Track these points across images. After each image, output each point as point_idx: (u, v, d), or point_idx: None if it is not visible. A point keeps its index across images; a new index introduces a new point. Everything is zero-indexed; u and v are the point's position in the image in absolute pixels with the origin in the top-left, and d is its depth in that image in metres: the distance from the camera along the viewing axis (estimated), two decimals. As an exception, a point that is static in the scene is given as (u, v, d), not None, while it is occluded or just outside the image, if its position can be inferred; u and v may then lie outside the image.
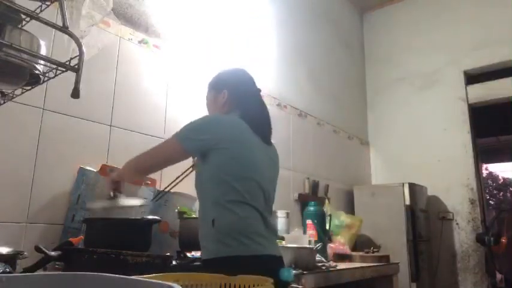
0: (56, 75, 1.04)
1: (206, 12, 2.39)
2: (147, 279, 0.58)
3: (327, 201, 2.90)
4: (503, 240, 3.15)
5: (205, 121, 1.36)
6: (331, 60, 3.74)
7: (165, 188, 1.67)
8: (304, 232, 2.32)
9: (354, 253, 2.57)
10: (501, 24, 3.54)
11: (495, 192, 11.93)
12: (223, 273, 0.83)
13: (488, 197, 10.95)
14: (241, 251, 1.20)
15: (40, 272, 1.02)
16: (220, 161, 1.29)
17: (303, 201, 2.86)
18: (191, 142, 1.31)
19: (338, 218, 2.83)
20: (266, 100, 2.74)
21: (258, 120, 1.43)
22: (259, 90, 1.53)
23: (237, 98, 1.45)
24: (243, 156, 1.31)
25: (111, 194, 1.35)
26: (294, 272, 1.54)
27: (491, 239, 3.12)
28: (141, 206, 1.52)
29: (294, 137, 2.99)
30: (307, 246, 1.94)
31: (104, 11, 1.20)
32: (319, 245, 1.95)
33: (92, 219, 1.40)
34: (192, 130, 1.33)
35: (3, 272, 0.91)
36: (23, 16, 1.04)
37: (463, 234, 3.48)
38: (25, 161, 1.49)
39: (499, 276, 3.91)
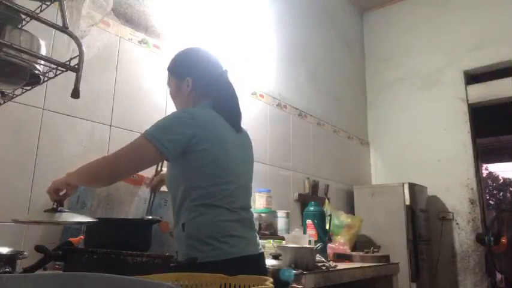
0: (56, 75, 1.04)
1: (206, 12, 2.39)
2: (147, 279, 0.58)
3: (327, 201, 2.90)
4: (503, 240, 3.15)
5: (179, 119, 1.20)
6: (331, 60, 3.74)
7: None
8: (304, 232, 2.32)
9: (354, 253, 2.57)
10: (501, 24, 3.54)
11: (495, 192, 11.94)
12: None
13: (488, 197, 10.96)
14: (214, 255, 1.13)
15: (40, 272, 1.02)
16: (198, 165, 1.18)
17: (303, 201, 2.86)
18: (169, 143, 1.14)
19: (338, 218, 2.83)
20: (266, 100, 2.77)
21: (230, 109, 1.32)
22: (226, 72, 1.37)
23: (204, 86, 1.32)
24: (221, 158, 1.21)
25: (53, 205, 1.09)
26: (294, 272, 1.54)
27: (491, 239, 3.12)
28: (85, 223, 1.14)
29: (294, 137, 2.99)
30: (307, 246, 1.94)
31: (104, 11, 1.20)
32: (319, 245, 1.95)
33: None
34: (167, 129, 1.17)
35: (3, 272, 0.91)
36: (23, 16, 1.04)
37: (463, 234, 3.48)
38: (25, 161, 1.49)
39: (499, 276, 3.92)
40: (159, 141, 1.13)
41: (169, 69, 1.41)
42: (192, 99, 1.33)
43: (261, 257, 1.29)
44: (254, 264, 1.22)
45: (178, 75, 1.36)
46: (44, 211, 1.09)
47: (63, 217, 1.07)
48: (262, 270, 1.28)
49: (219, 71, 1.36)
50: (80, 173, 1.19)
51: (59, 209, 1.09)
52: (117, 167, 1.17)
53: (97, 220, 1.11)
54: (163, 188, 1.64)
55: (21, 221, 1.15)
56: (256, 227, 1.41)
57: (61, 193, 1.14)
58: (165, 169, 1.58)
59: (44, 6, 1.06)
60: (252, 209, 1.34)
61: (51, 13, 1.09)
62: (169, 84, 1.41)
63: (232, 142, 1.27)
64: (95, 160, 1.20)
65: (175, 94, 1.38)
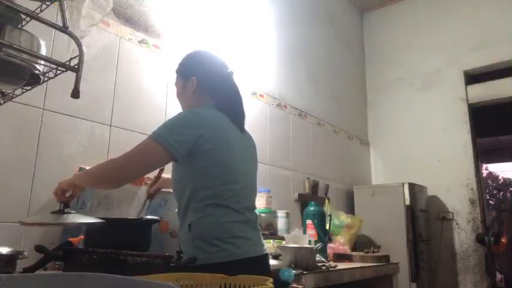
0: (56, 75, 1.04)
1: (206, 12, 2.39)
2: (147, 279, 0.58)
3: (327, 201, 2.90)
4: (503, 240, 3.15)
5: (187, 119, 1.21)
6: (331, 60, 3.74)
7: None
8: (304, 232, 2.32)
9: (354, 253, 2.57)
10: (501, 24, 3.54)
11: (495, 192, 11.94)
12: None
13: (488, 197, 10.96)
14: (219, 257, 1.14)
15: (40, 272, 1.02)
16: (204, 165, 1.19)
17: (303, 201, 2.86)
18: (178, 144, 1.14)
19: (338, 218, 2.83)
20: (266, 100, 2.77)
21: (234, 109, 1.34)
22: (232, 73, 1.40)
23: (208, 85, 1.34)
24: (226, 158, 1.21)
25: (60, 206, 1.10)
26: (294, 272, 1.54)
27: (491, 239, 3.12)
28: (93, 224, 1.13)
29: (294, 137, 2.99)
30: (307, 246, 1.94)
31: (104, 11, 1.20)
32: (319, 245, 1.95)
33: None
34: (175, 130, 1.18)
35: (3, 272, 0.91)
36: (23, 16, 1.04)
37: (463, 234, 3.48)
38: (25, 161, 1.49)
39: (499, 276, 3.91)
40: (168, 142, 1.14)
41: (176, 70, 1.44)
42: (197, 99, 1.35)
43: (265, 257, 1.29)
44: (259, 265, 1.23)
45: (184, 75, 1.39)
46: (51, 212, 1.09)
47: (70, 218, 1.07)
48: (267, 271, 1.28)
49: (224, 72, 1.38)
50: (88, 175, 1.20)
51: (66, 210, 1.09)
52: (126, 170, 1.17)
53: (104, 221, 1.11)
54: (166, 189, 1.65)
55: (28, 223, 1.15)
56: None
57: (67, 194, 1.14)
58: (164, 175, 1.59)
59: (44, 6, 1.06)
60: (256, 210, 1.35)
61: (51, 13, 1.09)
62: (176, 84, 1.43)
63: (237, 143, 1.28)
64: (103, 162, 1.21)
65: (181, 94, 1.41)
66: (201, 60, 1.41)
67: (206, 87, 1.35)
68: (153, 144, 1.15)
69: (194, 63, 1.40)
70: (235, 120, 1.32)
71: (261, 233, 1.34)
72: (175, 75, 1.45)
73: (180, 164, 1.23)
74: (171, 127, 1.20)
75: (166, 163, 1.23)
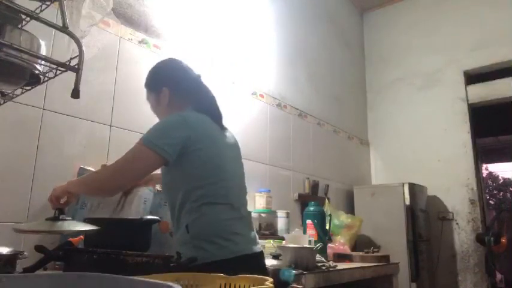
0: (56, 75, 1.04)
1: (206, 12, 2.39)
2: (147, 279, 0.58)
3: (327, 201, 2.90)
4: (503, 240, 3.15)
5: (173, 123, 1.22)
6: (331, 60, 3.74)
7: None
8: (304, 232, 2.32)
9: (354, 253, 2.57)
10: (501, 24, 3.54)
11: (495, 192, 11.94)
12: None
13: (488, 197, 10.96)
14: (220, 254, 1.15)
15: (40, 272, 1.02)
16: (195, 166, 1.20)
17: (303, 201, 2.86)
18: (168, 147, 1.15)
19: (338, 218, 2.83)
20: (266, 100, 2.77)
21: (212, 110, 1.35)
22: (200, 76, 1.41)
23: (182, 91, 1.35)
24: (215, 157, 1.23)
25: (55, 213, 1.08)
26: (294, 272, 1.54)
27: (491, 239, 3.12)
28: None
29: (294, 137, 2.99)
30: (307, 246, 1.94)
31: (104, 11, 1.20)
32: (319, 245, 1.95)
33: (91, 219, 1.40)
34: (163, 134, 1.18)
35: (3, 272, 0.91)
36: (23, 16, 1.04)
37: (463, 234, 3.48)
38: (25, 161, 1.49)
39: (499, 276, 3.91)
40: (159, 146, 1.14)
41: (145, 85, 1.44)
42: (173, 108, 1.34)
43: (261, 255, 1.31)
44: (256, 262, 1.24)
45: (155, 88, 1.39)
46: (46, 219, 1.08)
47: (65, 226, 1.06)
48: (263, 269, 1.30)
49: (193, 76, 1.40)
50: (81, 183, 1.20)
51: (61, 217, 1.08)
52: (118, 178, 1.17)
53: (98, 228, 1.11)
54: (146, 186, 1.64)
55: (23, 230, 1.15)
56: (256, 227, 1.41)
57: (62, 201, 1.15)
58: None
59: (44, 6, 1.06)
60: (247, 207, 1.36)
61: (51, 13, 1.09)
62: (148, 99, 1.43)
63: (223, 141, 1.31)
64: (97, 171, 1.22)
65: (156, 107, 1.41)
66: (169, 69, 1.41)
67: (180, 94, 1.35)
68: (143, 150, 1.15)
69: (163, 73, 1.40)
70: (215, 119, 1.33)
71: (255, 231, 1.35)
72: (145, 89, 1.44)
73: (170, 167, 1.23)
74: (159, 131, 1.20)
75: (159, 167, 1.22)
